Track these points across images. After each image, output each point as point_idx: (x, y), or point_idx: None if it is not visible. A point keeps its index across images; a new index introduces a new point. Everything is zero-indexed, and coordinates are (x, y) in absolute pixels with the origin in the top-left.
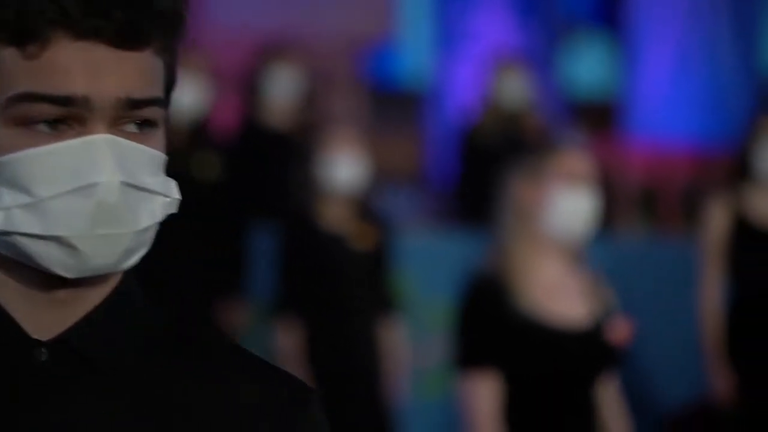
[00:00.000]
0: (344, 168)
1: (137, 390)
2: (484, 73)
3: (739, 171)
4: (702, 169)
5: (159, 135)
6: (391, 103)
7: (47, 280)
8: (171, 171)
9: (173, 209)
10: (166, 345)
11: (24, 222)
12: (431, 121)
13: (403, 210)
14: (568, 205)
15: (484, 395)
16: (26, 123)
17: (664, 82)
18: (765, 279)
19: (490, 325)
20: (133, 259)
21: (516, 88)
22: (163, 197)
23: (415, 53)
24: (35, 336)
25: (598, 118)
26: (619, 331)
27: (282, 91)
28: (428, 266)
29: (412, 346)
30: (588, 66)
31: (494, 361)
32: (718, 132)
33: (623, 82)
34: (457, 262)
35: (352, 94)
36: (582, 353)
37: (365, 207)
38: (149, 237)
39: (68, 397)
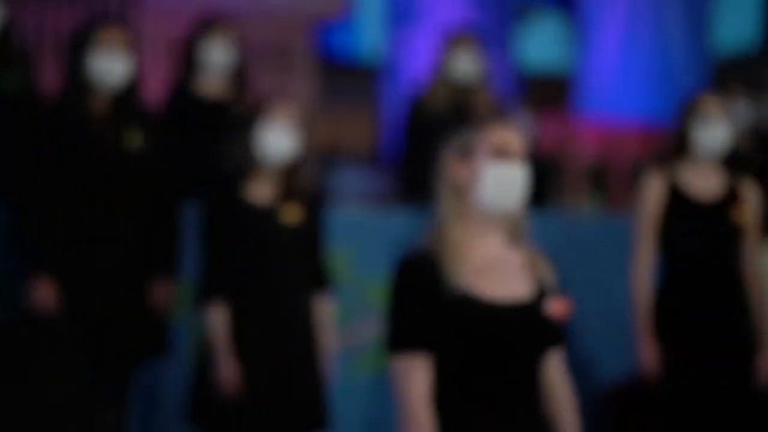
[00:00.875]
0: (275, 140)
1: None
2: (436, 47)
3: (677, 145)
4: (652, 146)
5: None
6: (346, 79)
7: None
8: (97, 142)
9: None
10: None
11: None
12: (385, 97)
13: (356, 186)
14: (497, 179)
15: (418, 378)
16: None
17: (616, 59)
18: (699, 254)
19: (423, 305)
20: None
21: (467, 62)
22: None
23: (369, 28)
24: None
25: (550, 95)
26: (556, 308)
27: (215, 62)
28: (369, 243)
29: (349, 325)
30: (540, 43)
31: (427, 343)
32: (668, 109)
33: (575, 60)
34: (400, 240)
35: (307, 69)
36: (518, 331)
37: (296, 181)
38: None
39: None
